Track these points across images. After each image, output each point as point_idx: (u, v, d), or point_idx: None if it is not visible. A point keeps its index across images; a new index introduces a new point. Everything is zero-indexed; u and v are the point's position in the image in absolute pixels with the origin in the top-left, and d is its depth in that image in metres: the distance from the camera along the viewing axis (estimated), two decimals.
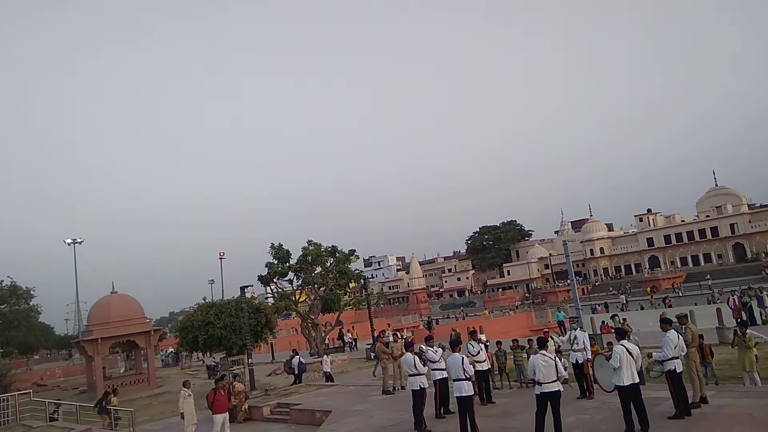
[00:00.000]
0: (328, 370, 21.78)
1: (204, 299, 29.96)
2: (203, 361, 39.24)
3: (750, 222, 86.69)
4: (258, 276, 28.62)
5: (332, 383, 20.63)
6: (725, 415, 9.62)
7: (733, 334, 13.50)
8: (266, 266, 28.48)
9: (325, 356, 22.64)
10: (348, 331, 40.16)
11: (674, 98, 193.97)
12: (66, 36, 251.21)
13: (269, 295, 32.25)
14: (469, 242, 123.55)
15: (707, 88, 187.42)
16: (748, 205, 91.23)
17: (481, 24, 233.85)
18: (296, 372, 22.67)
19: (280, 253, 28.45)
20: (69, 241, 49.81)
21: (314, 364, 25.45)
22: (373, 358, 22.52)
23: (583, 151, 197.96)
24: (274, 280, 28.97)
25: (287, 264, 28.66)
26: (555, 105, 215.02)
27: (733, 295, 27.79)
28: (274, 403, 18.18)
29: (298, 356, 23.45)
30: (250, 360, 22.33)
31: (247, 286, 24.21)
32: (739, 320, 16.16)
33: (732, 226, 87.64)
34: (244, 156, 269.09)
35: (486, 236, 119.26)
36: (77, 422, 18.96)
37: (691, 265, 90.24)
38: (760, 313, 25.57)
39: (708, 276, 71.65)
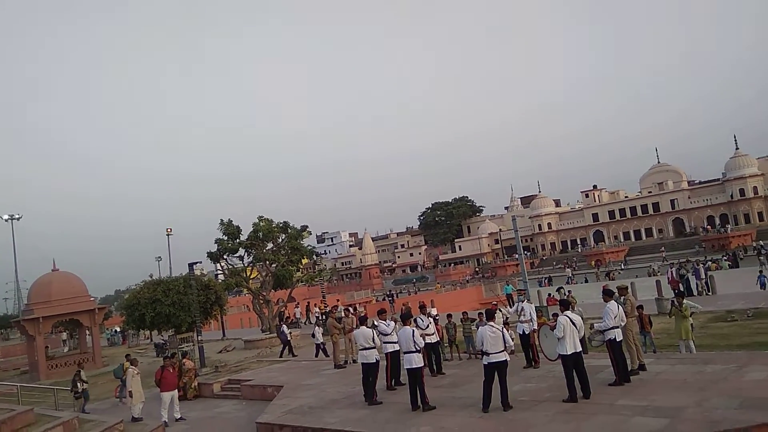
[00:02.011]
0: (321, 341, 20.74)
1: (151, 276, 29.28)
2: (151, 339, 38.50)
3: (689, 198, 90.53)
4: (207, 252, 28.10)
5: (287, 359, 20.57)
6: (662, 380, 10.08)
7: (671, 305, 14.12)
8: (216, 243, 27.97)
9: (317, 327, 22.17)
10: (315, 306, 39.57)
11: (617, 78, 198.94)
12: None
13: (219, 272, 31.75)
14: (421, 218, 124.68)
15: (652, 67, 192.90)
16: (688, 182, 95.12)
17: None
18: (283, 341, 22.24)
19: (230, 230, 27.96)
20: (6, 217, 47.61)
21: (265, 341, 25.34)
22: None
23: (533, 128, 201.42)
24: (224, 256, 28.51)
25: (237, 240, 28.21)
26: (502, 80, 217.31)
27: (671, 268, 29.05)
28: (225, 379, 18.03)
29: (284, 325, 23.13)
30: (199, 337, 22.01)
31: (195, 263, 23.72)
32: (676, 291, 16.98)
33: (672, 201, 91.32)
34: (197, 133, 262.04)
35: (438, 212, 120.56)
36: (18, 403, 18.31)
37: (633, 239, 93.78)
38: (696, 284, 26.82)
39: (662, 248, 74.64)
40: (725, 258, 48.61)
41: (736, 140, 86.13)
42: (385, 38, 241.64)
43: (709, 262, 40.46)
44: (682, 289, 24.31)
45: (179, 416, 14.27)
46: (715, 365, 10.52)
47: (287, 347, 22.00)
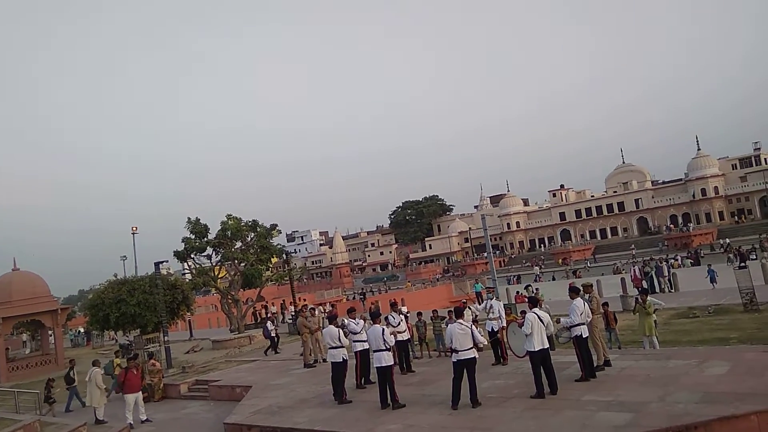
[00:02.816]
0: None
1: (115, 276, 28.61)
2: (116, 340, 37.71)
3: (653, 197, 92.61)
4: (174, 251, 27.63)
5: (254, 359, 20.36)
6: (626, 376, 10.27)
7: (635, 302, 14.40)
8: (183, 241, 27.52)
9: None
10: (291, 304, 38.92)
11: (589, 88, 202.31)
12: None
13: (186, 271, 31.25)
14: (392, 217, 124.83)
15: (620, 79, 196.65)
16: (652, 182, 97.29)
17: None
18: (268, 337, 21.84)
19: (198, 228, 27.54)
20: None
21: (234, 341, 25.05)
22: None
23: (503, 129, 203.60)
24: (192, 255, 28.07)
25: (205, 239, 27.80)
26: (478, 83, 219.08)
27: (634, 266, 29.66)
28: (192, 380, 17.80)
29: (268, 322, 22.83)
30: (166, 338, 21.65)
31: (162, 262, 23.33)
32: (639, 289, 17.30)
33: (637, 201, 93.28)
34: (166, 127, 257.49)
35: (409, 211, 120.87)
36: None
37: (599, 237, 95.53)
38: (659, 281, 27.42)
39: (632, 246, 75.62)
40: (687, 256, 49.83)
41: (698, 141, 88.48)
42: (365, 39, 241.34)
43: (672, 260, 41.41)
44: (645, 286, 24.84)
45: (145, 418, 14.03)
46: (678, 361, 10.76)
47: (272, 344, 21.64)
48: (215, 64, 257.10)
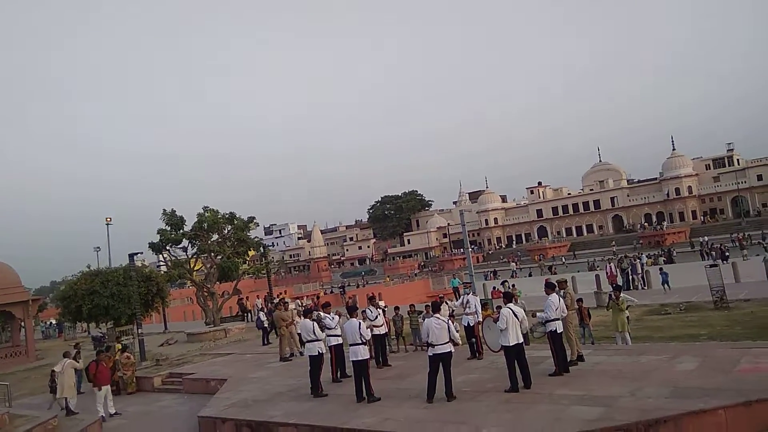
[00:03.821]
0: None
1: (89, 267, 28.09)
2: (89, 332, 37.16)
3: (628, 196, 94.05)
4: (149, 243, 27.21)
5: (230, 352, 20.21)
6: (599, 371, 10.42)
7: (608, 298, 14.61)
8: (158, 233, 27.15)
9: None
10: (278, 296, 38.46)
11: (570, 89, 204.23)
12: None
13: (162, 263, 30.85)
14: (370, 211, 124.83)
15: (599, 80, 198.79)
16: (627, 180, 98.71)
17: None
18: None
19: (174, 220, 27.18)
20: None
21: (209, 334, 24.84)
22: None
23: (484, 126, 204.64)
24: (167, 247, 27.70)
25: (181, 231, 27.46)
26: (460, 77, 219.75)
27: (609, 263, 30.07)
28: (166, 373, 17.61)
29: (260, 313, 22.48)
30: (140, 330, 21.37)
31: (136, 254, 22.96)
32: (614, 286, 17.57)
33: (612, 199, 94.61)
34: (138, 112, 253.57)
35: (388, 206, 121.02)
36: None
37: (575, 235, 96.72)
38: (633, 279, 27.85)
39: (613, 242, 76.04)
40: (660, 254, 50.66)
41: (673, 141, 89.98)
42: (343, 30, 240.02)
43: (645, 258, 42.05)
44: (620, 283, 25.19)
45: (113, 411, 13.86)
46: (649, 356, 10.94)
47: (266, 335, 21.51)
48: (189, 51, 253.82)
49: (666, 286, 24.28)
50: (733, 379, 8.63)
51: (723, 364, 9.55)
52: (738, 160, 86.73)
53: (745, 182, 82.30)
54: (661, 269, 27.10)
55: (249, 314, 32.42)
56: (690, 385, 8.57)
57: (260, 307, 27.32)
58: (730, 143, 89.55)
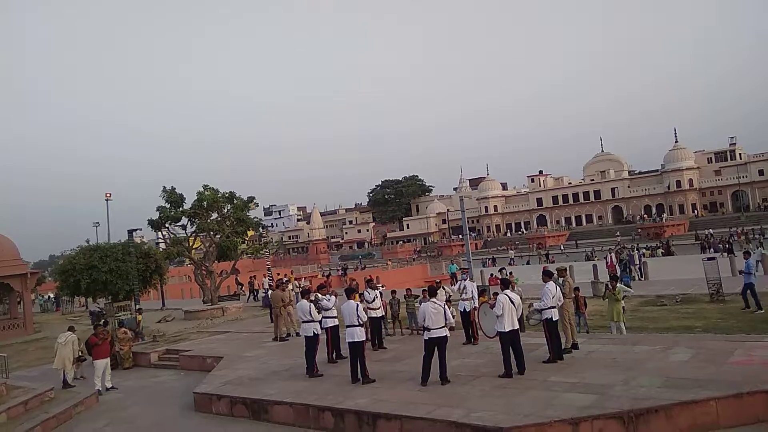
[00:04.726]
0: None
1: (87, 242, 28.20)
2: (86, 307, 37.31)
3: (629, 187, 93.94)
4: (148, 220, 27.16)
5: (226, 331, 20.31)
6: (592, 359, 10.49)
7: (605, 288, 14.64)
8: (158, 210, 27.11)
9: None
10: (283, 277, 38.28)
11: (575, 79, 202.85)
12: None
13: (161, 241, 30.87)
14: (370, 195, 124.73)
15: (605, 71, 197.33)
16: (629, 172, 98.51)
17: None
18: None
19: (173, 197, 27.11)
20: None
21: (206, 312, 24.96)
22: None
23: (487, 115, 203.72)
24: (166, 225, 27.67)
25: (180, 209, 27.42)
26: (461, 69, 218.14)
27: (610, 253, 30.11)
28: (163, 349, 17.72)
29: (269, 290, 22.55)
30: (138, 306, 21.47)
31: (135, 230, 23.05)
32: (611, 276, 17.59)
33: (613, 190, 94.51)
34: (139, 92, 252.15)
35: (388, 190, 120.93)
36: None
37: (574, 224, 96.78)
38: (630, 269, 27.92)
39: (617, 233, 76.12)
40: (659, 246, 50.79)
41: (676, 134, 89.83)
42: (352, 22, 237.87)
43: (644, 249, 42.15)
44: (618, 273, 25.24)
45: (110, 385, 13.97)
46: (643, 346, 11.01)
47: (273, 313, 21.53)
48: (191, 36, 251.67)
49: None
50: (725, 371, 8.68)
51: (716, 356, 9.61)
52: (740, 154, 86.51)
53: (747, 177, 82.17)
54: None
55: (257, 293, 32.55)
56: (683, 376, 8.63)
57: (268, 285, 27.40)
58: (732, 137, 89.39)
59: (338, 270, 58.58)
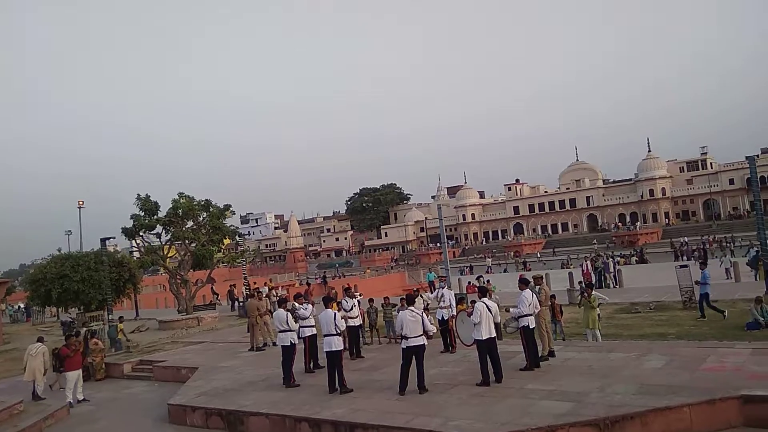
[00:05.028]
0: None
1: (59, 251, 27.63)
2: (58, 317, 36.53)
3: (603, 195, 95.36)
4: (122, 228, 26.77)
5: (201, 341, 20.03)
6: (569, 366, 10.56)
7: (580, 296, 14.79)
8: (132, 218, 26.73)
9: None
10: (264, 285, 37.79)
11: (550, 90, 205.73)
12: None
13: (134, 249, 30.43)
14: (349, 203, 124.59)
15: (577, 71, 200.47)
16: (603, 180, 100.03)
17: None
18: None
19: (148, 205, 26.76)
20: None
21: (181, 321, 24.60)
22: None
23: (465, 124, 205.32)
24: (140, 233, 27.29)
25: (155, 217, 27.06)
26: (436, 77, 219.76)
27: (585, 261, 30.43)
28: (136, 360, 17.40)
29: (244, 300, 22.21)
30: (110, 316, 21.09)
31: (108, 239, 22.64)
32: (586, 283, 17.81)
33: (588, 198, 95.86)
34: (110, 98, 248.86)
35: (366, 198, 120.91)
36: None
37: (550, 232, 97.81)
38: (605, 277, 28.25)
39: (595, 241, 77.51)
40: (633, 254, 51.50)
41: (649, 143, 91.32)
42: (332, 24, 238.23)
43: (618, 257, 42.70)
44: (593, 281, 25.55)
45: (82, 397, 13.65)
46: (618, 353, 11.13)
47: None
48: (165, 37, 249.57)
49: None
50: (698, 378, 8.81)
51: (689, 363, 9.74)
52: (711, 163, 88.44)
53: (718, 186, 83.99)
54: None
55: (237, 302, 32.20)
56: (657, 383, 8.73)
57: (246, 294, 27.09)
58: (704, 147, 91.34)
59: (316, 278, 58.30)
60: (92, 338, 17.43)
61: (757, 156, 39.80)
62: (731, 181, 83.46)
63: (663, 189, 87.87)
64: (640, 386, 8.63)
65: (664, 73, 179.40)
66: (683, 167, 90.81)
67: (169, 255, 29.38)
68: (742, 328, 13.57)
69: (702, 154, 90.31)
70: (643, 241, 73.67)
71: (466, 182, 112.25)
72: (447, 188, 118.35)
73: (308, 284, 32.34)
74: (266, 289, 28.70)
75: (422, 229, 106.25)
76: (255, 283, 42.50)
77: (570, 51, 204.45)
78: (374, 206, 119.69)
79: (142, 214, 26.75)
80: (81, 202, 31.95)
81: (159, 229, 27.69)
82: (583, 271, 28.14)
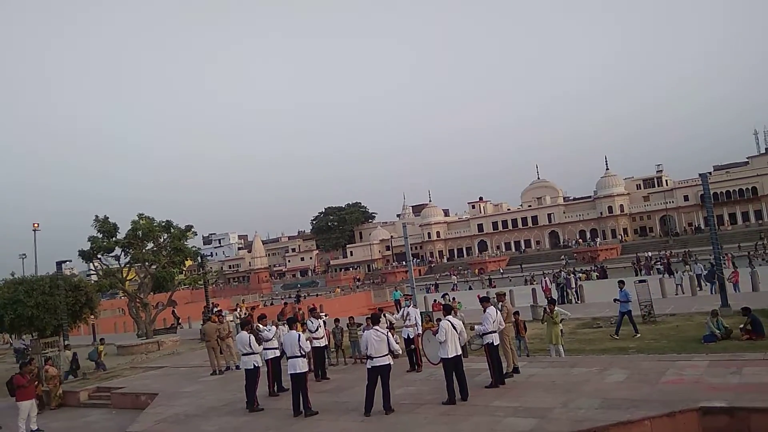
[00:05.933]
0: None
1: (12, 275, 26.60)
2: (11, 344, 35.09)
3: (564, 213, 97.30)
4: (79, 251, 26.04)
5: (162, 366, 19.50)
6: (533, 382, 10.66)
7: (543, 312, 14.99)
8: (89, 240, 26.03)
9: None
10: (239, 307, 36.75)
11: (515, 112, 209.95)
12: None
13: (92, 272, 29.58)
14: (314, 222, 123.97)
15: (536, 91, 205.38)
16: (564, 198, 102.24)
17: None
18: None
19: (106, 227, 26.13)
20: None
21: (141, 346, 23.95)
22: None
23: (428, 142, 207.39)
24: (98, 255, 26.58)
25: (114, 239, 26.42)
26: (403, 97, 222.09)
27: (544, 277, 30.95)
28: (93, 387, 16.83)
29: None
30: (66, 342, 20.37)
31: (64, 262, 21.95)
32: (548, 299, 18.05)
33: (549, 215, 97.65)
34: (68, 115, 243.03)
35: (331, 217, 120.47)
36: None
37: (514, 249, 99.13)
38: (567, 293, 28.74)
39: (563, 256, 78.53)
40: (594, 269, 52.53)
41: (606, 161, 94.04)
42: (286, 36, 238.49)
43: (580, 273, 43.47)
44: (555, 296, 25.95)
45: (36, 428, 13.07)
46: (581, 368, 11.28)
47: None
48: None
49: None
50: (658, 391, 8.99)
51: (649, 376, 9.94)
52: (666, 180, 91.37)
53: (673, 202, 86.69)
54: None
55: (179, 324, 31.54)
56: (619, 396, 8.88)
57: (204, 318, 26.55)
58: (659, 165, 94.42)
59: (290, 297, 57.67)
60: (46, 364, 16.81)
61: (710, 173, 41.74)
62: (686, 198, 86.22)
63: (621, 206, 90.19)
64: (602, 400, 8.75)
65: (623, 102, 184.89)
66: (640, 184, 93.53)
67: (128, 278, 28.66)
68: (699, 341, 13.93)
69: (657, 171, 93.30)
70: (604, 257, 75.26)
71: (430, 200, 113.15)
72: (412, 207, 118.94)
73: (285, 304, 31.75)
74: (241, 310, 28.21)
75: (388, 248, 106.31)
76: (218, 306, 41.84)
77: (530, 75, 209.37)
78: (339, 225, 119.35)
79: (100, 236, 26.10)
80: (36, 225, 31.01)
81: (118, 251, 27.04)
82: (543, 287, 28.58)
